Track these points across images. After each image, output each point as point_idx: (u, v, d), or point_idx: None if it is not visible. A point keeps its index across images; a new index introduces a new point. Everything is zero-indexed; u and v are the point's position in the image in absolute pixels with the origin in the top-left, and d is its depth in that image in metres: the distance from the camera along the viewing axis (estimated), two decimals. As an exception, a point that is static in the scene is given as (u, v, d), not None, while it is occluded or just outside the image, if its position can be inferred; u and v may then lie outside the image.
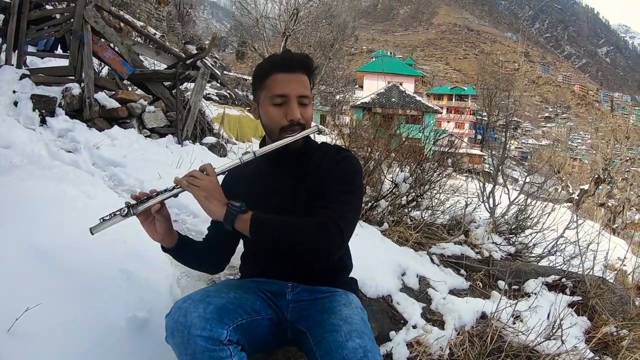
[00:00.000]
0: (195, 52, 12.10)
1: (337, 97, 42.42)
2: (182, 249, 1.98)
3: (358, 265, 2.24)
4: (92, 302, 2.13)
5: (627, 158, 38.17)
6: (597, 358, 3.16)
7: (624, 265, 18.35)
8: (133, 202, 1.76)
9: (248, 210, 1.67)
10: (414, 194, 5.08)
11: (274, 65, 1.88)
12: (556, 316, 3.28)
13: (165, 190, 1.76)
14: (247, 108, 16.57)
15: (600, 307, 3.86)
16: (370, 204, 4.75)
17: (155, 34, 23.72)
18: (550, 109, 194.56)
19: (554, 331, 3.18)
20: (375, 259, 3.50)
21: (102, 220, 1.69)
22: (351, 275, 2.16)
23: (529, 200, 5.93)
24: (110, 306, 2.16)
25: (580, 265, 4.30)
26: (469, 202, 5.19)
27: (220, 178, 1.85)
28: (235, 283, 1.98)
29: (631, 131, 46.58)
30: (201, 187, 1.68)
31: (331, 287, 1.94)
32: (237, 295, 1.76)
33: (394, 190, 4.89)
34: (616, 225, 37.52)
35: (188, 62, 8.37)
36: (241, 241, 2.11)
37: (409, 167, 5.32)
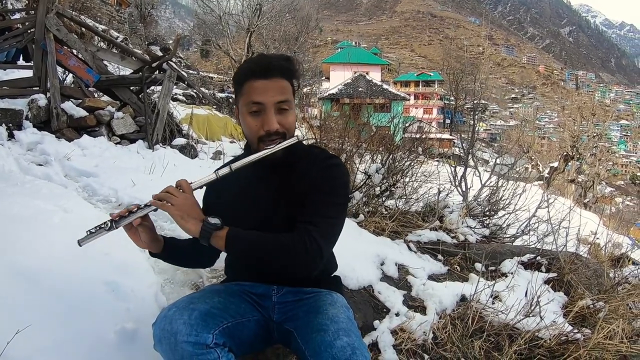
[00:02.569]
0: (159, 52, 11.98)
1: (305, 90, 42.41)
2: (169, 252, 1.98)
3: (338, 257, 2.27)
4: (81, 318, 2.14)
5: (594, 134, 38.83)
6: (575, 331, 3.21)
7: (597, 238, 18.74)
8: (116, 217, 1.75)
9: (224, 227, 1.67)
10: (387, 184, 5.12)
11: (249, 71, 1.81)
12: (533, 293, 3.35)
13: (145, 206, 1.76)
14: (214, 107, 16.48)
15: (575, 282, 3.95)
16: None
17: (117, 37, 23.44)
18: (517, 90, 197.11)
19: (532, 308, 3.25)
20: (354, 251, 3.53)
21: (88, 232, 1.71)
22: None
23: (500, 182, 6.01)
24: (99, 320, 2.17)
25: (554, 242, 4.39)
26: (441, 189, 5.25)
27: (198, 191, 1.83)
28: (220, 288, 1.96)
29: (597, 108, 47.40)
30: (176, 206, 1.67)
31: (315, 287, 1.95)
32: (222, 299, 1.78)
33: (367, 182, 4.92)
34: (587, 199, 38.32)
35: (154, 65, 8.27)
36: None
37: (380, 157, 5.36)
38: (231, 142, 12.74)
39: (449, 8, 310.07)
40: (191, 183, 1.77)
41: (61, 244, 2.60)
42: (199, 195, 1.88)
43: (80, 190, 4.80)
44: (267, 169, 1.86)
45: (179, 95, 18.83)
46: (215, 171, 1.79)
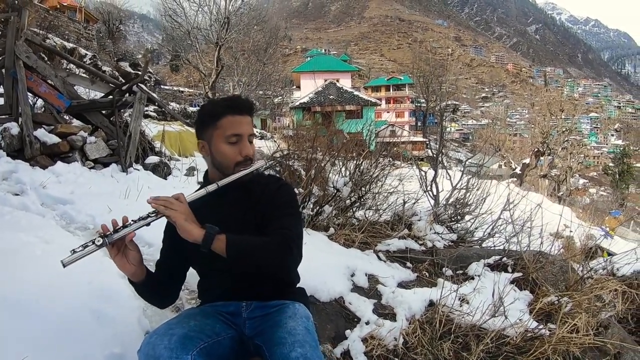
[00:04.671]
0: (128, 68, 12.00)
1: (276, 100, 42.48)
2: (149, 283, 2.12)
3: (309, 272, 2.43)
4: (72, 346, 2.26)
5: (564, 129, 39.42)
6: (540, 327, 3.35)
7: (571, 232, 18.98)
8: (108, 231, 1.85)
9: (223, 232, 1.85)
10: (356, 196, 5.25)
11: (227, 108, 2.11)
12: (499, 294, 3.50)
13: (140, 219, 1.85)
14: (187, 120, 16.44)
15: (540, 280, 4.10)
16: (315, 210, 4.89)
17: (86, 54, 23.29)
18: (487, 89, 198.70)
19: (497, 308, 3.40)
20: (325, 264, 3.68)
21: (73, 252, 1.75)
22: (304, 282, 2.37)
23: (472, 182, 6.15)
24: (88, 347, 2.29)
25: (518, 243, 4.54)
26: (406, 199, 5.38)
27: None
28: (196, 311, 2.15)
29: (566, 103, 48.10)
30: (180, 211, 1.84)
31: (280, 300, 2.12)
32: (198, 322, 1.94)
33: (336, 195, 5.04)
34: (561, 193, 38.86)
35: (124, 88, 8.31)
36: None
37: (348, 171, 5.48)
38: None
39: (417, 12, 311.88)
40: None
41: (45, 275, 2.71)
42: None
43: (57, 218, 4.81)
44: (235, 190, 2.10)
45: (151, 111, 18.78)
46: (205, 188, 2.03)
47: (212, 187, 2.01)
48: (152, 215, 1.85)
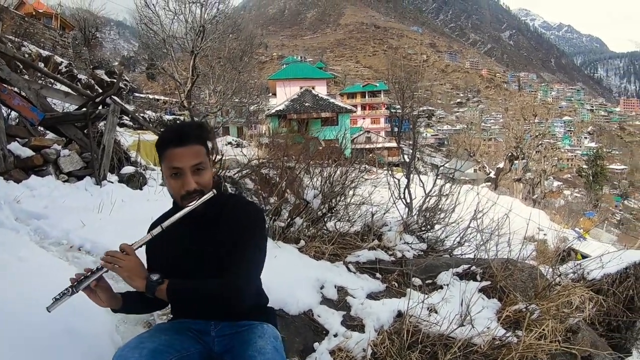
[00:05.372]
0: (104, 76, 11.92)
1: (252, 107, 42.43)
2: (128, 305, 2.21)
3: (279, 285, 2.49)
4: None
5: (538, 133, 39.92)
6: (508, 334, 3.41)
7: (544, 234, 19.05)
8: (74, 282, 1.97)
9: (164, 281, 1.94)
10: (326, 208, 5.29)
11: (167, 140, 2.09)
12: (467, 303, 3.56)
13: (98, 269, 1.98)
14: (162, 129, 16.34)
15: (508, 288, 4.17)
16: (287, 221, 4.92)
17: (62, 62, 23.05)
18: (462, 95, 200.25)
19: (465, 317, 3.46)
20: (295, 277, 3.72)
21: (54, 299, 1.94)
22: (274, 295, 2.42)
23: (445, 188, 6.22)
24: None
25: (486, 251, 4.61)
26: (377, 210, 5.43)
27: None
28: (166, 326, 2.22)
29: (539, 107, 48.73)
30: (124, 268, 1.94)
31: (249, 320, 2.16)
32: (168, 337, 2.02)
33: (306, 208, 5.08)
34: (536, 195, 39.38)
35: (97, 100, 8.26)
36: None
37: (322, 179, 5.51)
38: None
39: (392, 19, 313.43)
40: (131, 244, 2.02)
41: (19, 294, 2.77)
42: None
43: (32, 233, 4.78)
44: (194, 222, 2.12)
45: (127, 120, 18.63)
46: (150, 232, 2.06)
47: (156, 231, 2.05)
48: (102, 269, 1.98)
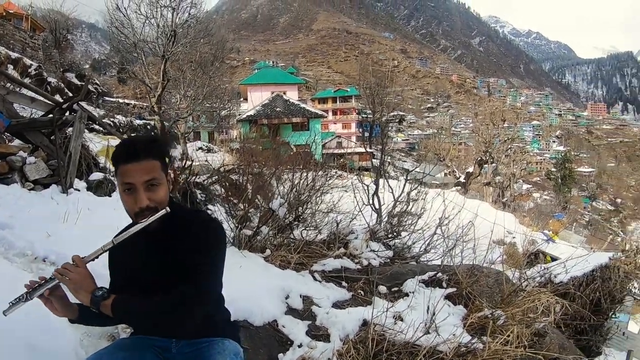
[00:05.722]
0: (74, 79, 11.75)
1: (223, 112, 42.21)
2: (86, 316, 2.15)
3: (244, 296, 2.47)
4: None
5: (507, 138, 40.41)
6: (474, 341, 3.43)
7: (514, 237, 19.24)
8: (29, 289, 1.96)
9: (110, 296, 1.92)
10: (292, 216, 5.28)
11: (119, 156, 2.05)
12: (432, 310, 3.58)
13: (50, 279, 1.96)
14: (133, 134, 16.15)
15: (473, 294, 4.21)
16: (254, 229, 4.90)
17: (31, 64, 22.68)
18: (432, 100, 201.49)
19: (430, 324, 3.48)
20: (260, 287, 3.71)
21: (11, 304, 1.94)
22: (238, 306, 2.41)
23: (414, 193, 6.24)
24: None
25: (451, 259, 4.64)
26: (344, 217, 5.44)
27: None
28: (128, 342, 2.19)
29: (508, 112, 49.40)
30: (71, 280, 1.92)
31: (210, 337, 2.14)
32: (127, 354, 2.03)
33: (273, 216, 5.06)
34: (505, 199, 39.91)
35: (64, 106, 8.13)
36: None
37: (286, 188, 5.50)
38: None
39: (364, 25, 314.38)
40: (83, 257, 1.99)
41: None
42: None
43: (-4, 244, 4.67)
44: (150, 237, 2.09)
45: (96, 125, 18.37)
46: (102, 246, 2.02)
47: (107, 245, 2.02)
48: (54, 279, 1.96)
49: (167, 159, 2.18)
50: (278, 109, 44.41)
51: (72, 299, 2.02)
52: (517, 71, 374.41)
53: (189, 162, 7.88)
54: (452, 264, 4.61)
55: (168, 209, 2.05)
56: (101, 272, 2.19)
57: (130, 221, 2.16)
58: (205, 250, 2.06)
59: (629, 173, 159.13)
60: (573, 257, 6.34)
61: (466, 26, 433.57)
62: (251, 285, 3.50)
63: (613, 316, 7.04)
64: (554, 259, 15.90)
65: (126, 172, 2.01)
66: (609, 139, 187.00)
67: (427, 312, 3.66)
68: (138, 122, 27.61)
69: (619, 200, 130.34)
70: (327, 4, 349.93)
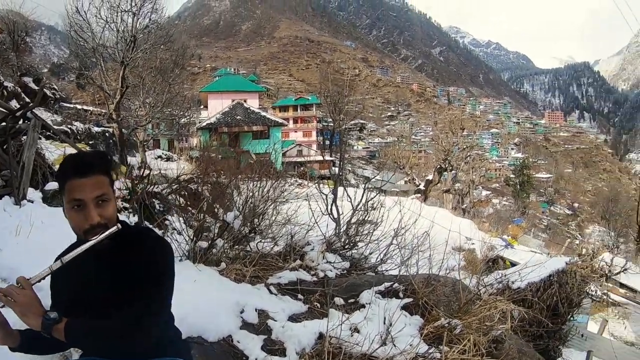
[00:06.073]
0: (32, 84, 11.46)
1: (183, 120, 41.83)
2: (28, 344, 2.05)
3: (198, 311, 2.42)
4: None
5: (466, 146, 41.06)
6: (431, 351, 3.43)
7: (472, 244, 19.53)
8: None
9: (62, 319, 1.82)
10: (248, 228, 5.23)
11: (68, 171, 1.96)
12: (389, 321, 3.56)
13: None
14: (91, 142, 15.89)
15: (430, 304, 4.21)
16: (209, 242, 4.82)
17: (-15, 69, 22.15)
18: (392, 108, 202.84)
19: (387, 336, 3.46)
20: (215, 301, 3.64)
21: None
22: (192, 322, 2.35)
23: (372, 202, 6.24)
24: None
25: (407, 268, 4.65)
26: (301, 229, 5.41)
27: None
28: None
29: (467, 121, 50.27)
30: (17, 303, 1.79)
31: (160, 358, 2.08)
32: None
33: (228, 229, 5.00)
34: (465, 205, 40.54)
35: (17, 114, 7.91)
36: None
37: (241, 200, 5.44)
38: (115, 175, 12.34)
39: (326, 33, 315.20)
40: (29, 279, 1.87)
41: None
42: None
43: (-54, 260, 4.50)
44: (99, 257, 2.00)
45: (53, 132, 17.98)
46: (49, 266, 1.91)
47: (56, 265, 1.91)
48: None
49: (113, 174, 2.10)
50: (238, 117, 44.33)
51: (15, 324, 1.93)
52: (476, 80, 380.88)
53: (147, 171, 7.76)
54: (408, 274, 4.61)
55: (119, 225, 1.99)
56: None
57: (75, 240, 2.07)
58: (155, 270, 2.01)
59: (586, 178, 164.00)
60: (531, 262, 6.44)
61: (427, 36, 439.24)
62: (206, 300, 3.43)
63: (571, 319, 7.16)
64: (513, 264, 16.22)
65: (75, 187, 1.92)
66: (566, 146, 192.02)
67: (384, 323, 3.65)
68: (96, 129, 27.07)
69: (576, 205, 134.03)
70: (290, 12, 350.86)
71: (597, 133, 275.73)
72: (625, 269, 17.65)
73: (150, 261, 2.00)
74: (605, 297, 19.49)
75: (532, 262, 6.75)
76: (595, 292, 9.43)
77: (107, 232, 1.94)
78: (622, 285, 22.08)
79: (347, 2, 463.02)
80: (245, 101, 49.45)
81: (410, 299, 4.21)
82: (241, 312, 3.73)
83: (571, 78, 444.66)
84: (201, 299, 2.57)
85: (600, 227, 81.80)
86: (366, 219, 6.16)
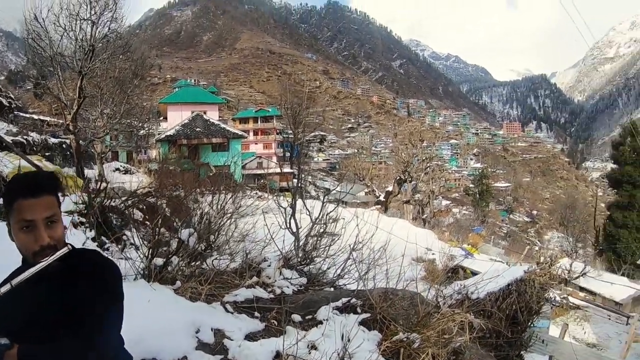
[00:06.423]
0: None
1: (142, 132, 41.31)
2: None
3: (152, 332, 2.35)
4: None
5: (425, 157, 41.60)
6: (390, 365, 3.42)
7: (433, 254, 19.77)
8: None
9: (14, 345, 1.73)
10: (204, 245, 5.15)
11: (17, 191, 1.90)
12: (346, 337, 3.53)
13: None
14: (47, 154, 15.57)
15: (388, 318, 4.20)
16: (163, 261, 4.72)
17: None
18: (353, 120, 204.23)
19: (344, 352, 3.43)
20: (169, 321, 3.55)
21: None
22: (146, 344, 2.29)
23: (331, 215, 6.22)
24: None
25: (365, 283, 4.63)
26: (257, 244, 5.36)
27: None
28: None
29: (426, 132, 50.97)
30: None
31: None
32: None
33: (183, 246, 4.91)
34: (425, 215, 41.04)
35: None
36: None
37: (197, 216, 5.37)
38: (63, 195, 12.07)
39: (287, 45, 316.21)
40: None
41: None
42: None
43: None
44: (46, 280, 1.93)
45: (8, 142, 17.55)
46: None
47: (5, 289, 1.84)
48: None
49: (60, 195, 2.04)
50: (198, 129, 44.00)
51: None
52: (436, 93, 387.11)
53: (104, 184, 7.61)
54: (366, 288, 4.59)
55: (70, 246, 1.94)
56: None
57: (18, 266, 2.00)
58: (105, 292, 1.97)
59: (544, 186, 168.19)
60: (490, 271, 6.52)
61: (387, 49, 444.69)
62: (160, 321, 3.34)
63: (532, 325, 7.25)
64: (474, 273, 16.45)
65: (26, 208, 1.87)
66: (524, 156, 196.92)
67: (342, 340, 3.62)
68: (53, 140, 26.55)
69: (534, 212, 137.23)
70: (252, 23, 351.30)
71: (554, 143, 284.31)
72: (584, 273, 18.15)
73: (99, 283, 1.97)
74: (565, 301, 19.99)
75: (492, 271, 6.83)
76: (555, 298, 9.61)
77: (57, 254, 1.89)
78: (581, 289, 22.70)
79: (309, 14, 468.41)
80: (205, 113, 49.05)
81: (368, 314, 4.19)
82: (197, 332, 3.64)
83: (529, 90, 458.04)
84: (155, 320, 2.49)
85: (558, 233, 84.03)
86: (325, 231, 6.14)
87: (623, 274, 28.53)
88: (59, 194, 2.02)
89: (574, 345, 10.81)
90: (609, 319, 20.35)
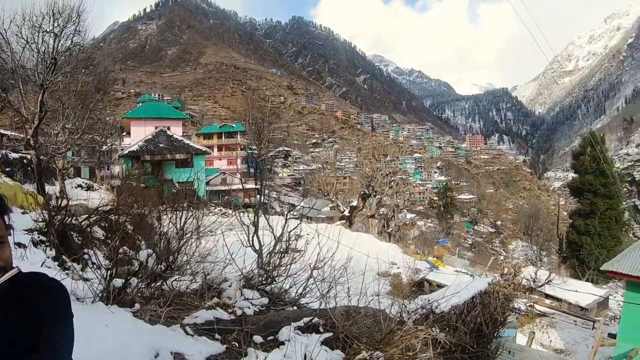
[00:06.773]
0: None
1: (104, 147, 40.69)
2: None
3: (109, 357, 2.28)
4: None
5: (389, 171, 41.85)
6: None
7: (398, 268, 19.94)
8: None
9: None
10: (163, 266, 5.07)
11: None
12: (309, 358, 3.50)
13: None
14: (7, 169, 15.21)
15: (350, 337, 4.18)
16: (122, 282, 4.62)
17: None
18: (317, 135, 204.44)
19: (306, 374, 3.41)
20: (127, 346, 3.46)
21: None
22: None
23: (295, 231, 6.19)
24: None
25: (326, 302, 4.62)
26: (211, 270, 5.30)
27: None
28: None
29: (390, 147, 51.39)
30: None
31: None
32: None
33: (142, 268, 4.83)
34: (391, 229, 41.22)
35: None
36: None
37: (155, 238, 5.30)
38: (23, 212, 11.79)
39: (252, 60, 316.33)
40: None
41: None
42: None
43: None
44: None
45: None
46: None
47: None
48: None
49: (6, 217, 1.97)
50: (161, 144, 43.51)
51: None
52: (399, 107, 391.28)
53: (65, 201, 7.45)
54: (327, 307, 4.57)
55: (18, 267, 1.87)
56: None
57: None
58: (55, 316, 1.91)
59: (507, 197, 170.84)
60: (455, 283, 6.55)
61: (352, 64, 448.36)
62: (117, 345, 3.25)
63: (498, 336, 7.29)
64: (440, 285, 16.56)
65: None
66: (487, 168, 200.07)
67: (304, 360, 3.59)
68: (14, 155, 25.99)
69: (499, 223, 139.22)
70: (217, 38, 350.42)
71: (516, 154, 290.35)
72: (549, 281, 18.45)
73: (46, 305, 1.90)
74: (531, 309, 20.29)
75: (456, 284, 6.86)
76: (520, 308, 9.71)
77: (6, 276, 1.82)
78: (547, 296, 23.10)
79: (274, 29, 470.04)
80: (168, 128, 48.62)
81: (331, 333, 4.17)
82: (155, 357, 3.55)
83: (490, 103, 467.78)
84: (113, 344, 2.41)
85: (523, 242, 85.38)
86: (288, 248, 6.11)
87: (587, 280, 29.22)
88: (5, 216, 1.95)
89: (541, 353, 10.96)
90: (576, 324, 20.75)
